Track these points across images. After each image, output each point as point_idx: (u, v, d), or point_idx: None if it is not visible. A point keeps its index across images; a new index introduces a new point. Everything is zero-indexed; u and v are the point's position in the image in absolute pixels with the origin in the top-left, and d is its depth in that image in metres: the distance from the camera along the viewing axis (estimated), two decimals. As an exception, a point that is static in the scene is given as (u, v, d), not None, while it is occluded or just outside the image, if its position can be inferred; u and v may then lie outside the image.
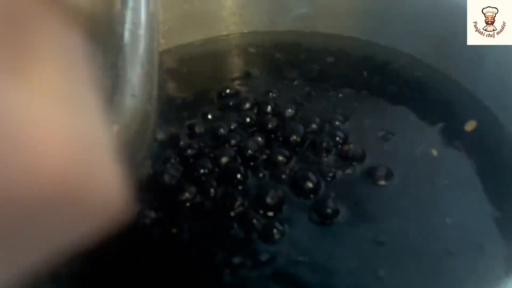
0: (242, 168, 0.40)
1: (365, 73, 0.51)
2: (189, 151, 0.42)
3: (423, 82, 0.49)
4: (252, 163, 0.41)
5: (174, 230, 0.37)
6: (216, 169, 0.40)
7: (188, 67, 0.54)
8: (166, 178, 0.40)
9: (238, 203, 0.37)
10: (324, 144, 0.41)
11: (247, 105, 0.47)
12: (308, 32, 0.57)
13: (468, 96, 0.46)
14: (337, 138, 0.42)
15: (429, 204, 0.37)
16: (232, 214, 0.37)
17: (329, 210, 0.36)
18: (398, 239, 0.35)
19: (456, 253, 0.34)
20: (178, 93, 0.51)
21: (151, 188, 0.40)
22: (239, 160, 0.41)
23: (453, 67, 0.47)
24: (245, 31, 0.58)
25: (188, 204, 0.38)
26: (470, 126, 0.43)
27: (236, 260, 0.34)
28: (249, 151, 0.41)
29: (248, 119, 0.45)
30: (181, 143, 0.43)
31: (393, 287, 0.32)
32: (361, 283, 0.33)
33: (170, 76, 0.53)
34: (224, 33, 0.58)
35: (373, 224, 0.36)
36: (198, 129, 0.45)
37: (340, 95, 0.48)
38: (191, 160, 0.42)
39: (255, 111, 0.46)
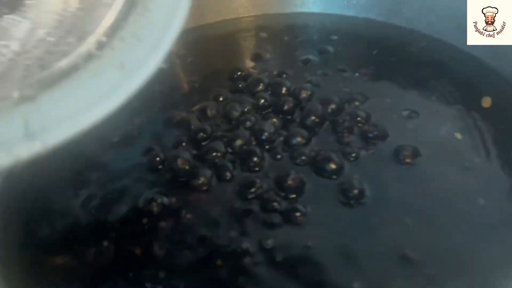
0: (258, 150, 0.37)
1: (381, 54, 0.49)
2: (201, 134, 0.40)
3: (444, 62, 0.47)
4: (268, 146, 0.38)
5: (188, 216, 0.34)
6: (231, 152, 0.39)
7: (197, 51, 0.52)
8: (179, 162, 0.37)
9: (256, 185, 0.35)
10: (346, 124, 0.39)
11: (260, 87, 0.44)
12: (320, 14, 0.55)
13: (493, 74, 0.44)
14: (359, 118, 0.40)
15: (459, 185, 0.35)
16: (251, 197, 0.35)
17: (355, 191, 0.34)
18: (428, 220, 0.33)
19: (490, 233, 0.32)
20: (187, 76, 0.49)
21: (163, 173, 0.38)
22: (254, 142, 0.39)
23: (476, 45, 0.45)
24: (254, 14, 0.56)
25: (203, 189, 0.36)
26: (486, 102, 0.41)
27: (257, 244, 0.33)
28: (265, 133, 0.39)
29: (262, 101, 0.42)
30: (192, 126, 0.41)
31: (424, 268, 0.30)
32: (390, 265, 0.31)
33: (179, 59, 0.51)
34: (233, 16, 0.56)
35: (401, 205, 0.34)
36: (210, 112, 0.42)
37: (357, 75, 0.46)
38: (204, 143, 0.40)
39: (269, 92, 0.44)
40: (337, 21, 0.54)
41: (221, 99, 0.44)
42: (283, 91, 0.44)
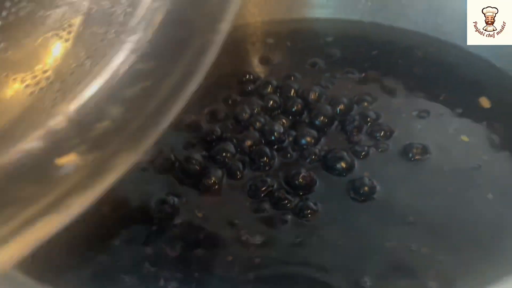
0: (268, 150, 0.38)
1: (389, 57, 0.50)
2: (211, 136, 0.41)
3: (451, 63, 0.48)
4: (277, 146, 0.39)
5: (200, 215, 0.35)
6: (241, 152, 0.39)
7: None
8: (189, 163, 0.38)
9: (267, 184, 0.36)
10: (355, 123, 0.39)
11: (269, 89, 0.45)
12: (326, 19, 0.56)
13: (499, 74, 0.45)
14: (368, 118, 0.41)
15: (468, 181, 0.36)
16: (262, 195, 0.36)
17: (366, 188, 0.35)
18: (437, 214, 0.34)
19: (501, 227, 0.32)
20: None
21: (174, 174, 0.38)
22: (263, 142, 0.40)
23: (482, 46, 0.45)
24: (262, 20, 0.57)
25: (214, 189, 0.37)
26: (485, 102, 0.42)
27: (268, 241, 0.33)
28: (275, 133, 0.39)
29: (271, 102, 0.43)
30: (202, 128, 0.42)
31: (435, 264, 0.31)
32: (400, 260, 0.31)
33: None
34: (240, 22, 0.57)
35: (411, 201, 0.35)
36: (219, 114, 0.43)
37: (365, 76, 0.47)
38: (214, 144, 0.40)
39: (278, 94, 0.45)
40: (344, 25, 0.55)
41: (230, 101, 0.45)
42: (292, 93, 0.44)
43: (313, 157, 0.38)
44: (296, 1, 0.56)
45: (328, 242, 0.32)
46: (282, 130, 0.40)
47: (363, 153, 0.38)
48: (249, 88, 0.46)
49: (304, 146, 0.39)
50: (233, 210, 0.35)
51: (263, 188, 0.36)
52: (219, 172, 0.37)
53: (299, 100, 0.42)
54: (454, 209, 0.34)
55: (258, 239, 0.33)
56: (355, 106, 0.42)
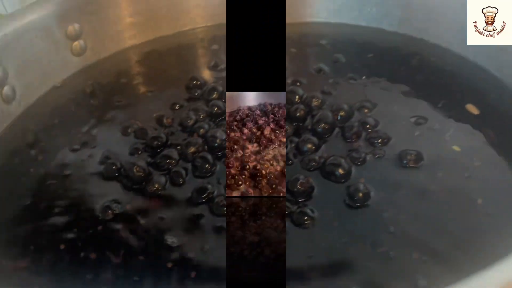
0: (209, 157, 0.37)
1: (391, 63, 0.47)
2: (156, 142, 0.39)
3: (450, 71, 0.46)
4: (220, 153, 0.38)
5: (142, 222, 0.32)
6: (185, 159, 0.37)
7: (155, 62, 0.51)
8: (134, 170, 0.35)
9: (207, 191, 0.33)
10: (355, 129, 0.39)
11: (215, 95, 0.45)
12: (332, 24, 0.52)
13: (496, 82, 0.42)
14: (368, 125, 0.39)
15: (459, 188, 0.33)
16: (202, 202, 0.33)
17: (360, 194, 0.33)
18: (429, 219, 0.31)
19: (489, 231, 0.30)
20: (145, 87, 0.47)
21: (119, 181, 0.36)
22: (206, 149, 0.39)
23: (480, 54, 0.44)
24: (211, 24, 0.53)
25: (157, 195, 0.34)
26: (473, 109, 0.39)
27: (203, 245, 0.30)
28: (217, 140, 0.38)
29: (215, 109, 0.42)
30: (149, 135, 0.40)
31: (424, 265, 0.28)
32: (391, 266, 0.28)
33: (137, 71, 0.50)
34: (190, 26, 0.54)
35: (403, 206, 0.32)
36: (165, 121, 0.42)
37: (367, 83, 0.43)
38: (159, 151, 0.39)
39: (223, 100, 0.44)
40: (350, 31, 0.54)
41: (177, 107, 0.42)
42: (296, 99, 0.43)
43: (313, 164, 0.36)
44: (301, 6, 0.53)
45: (321, 248, 0.30)
46: (224, 136, 0.40)
47: (360, 159, 0.37)
48: (196, 94, 0.44)
49: (305, 153, 0.37)
50: (174, 217, 0.33)
51: (204, 195, 0.34)
52: (163, 179, 0.37)
53: (302, 106, 0.41)
54: (445, 214, 0.32)
55: (196, 245, 0.31)
56: (356, 113, 0.39)
